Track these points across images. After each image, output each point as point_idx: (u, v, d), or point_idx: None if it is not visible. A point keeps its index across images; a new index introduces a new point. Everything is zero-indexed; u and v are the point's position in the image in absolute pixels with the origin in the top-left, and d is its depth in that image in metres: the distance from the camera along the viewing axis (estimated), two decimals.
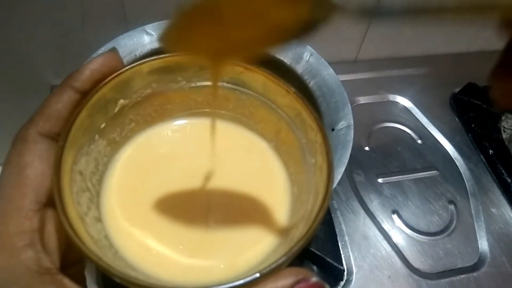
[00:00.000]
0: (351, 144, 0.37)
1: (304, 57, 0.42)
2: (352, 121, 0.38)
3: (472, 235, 0.53)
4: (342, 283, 0.47)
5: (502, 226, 0.54)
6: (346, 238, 0.51)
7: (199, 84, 0.28)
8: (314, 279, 0.19)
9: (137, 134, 0.28)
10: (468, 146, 0.61)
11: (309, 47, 0.43)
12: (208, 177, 0.27)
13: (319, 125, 0.23)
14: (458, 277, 0.49)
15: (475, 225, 0.54)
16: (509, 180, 0.57)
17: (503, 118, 0.64)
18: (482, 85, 0.65)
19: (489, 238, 0.53)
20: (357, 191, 0.55)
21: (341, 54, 0.69)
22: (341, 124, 0.38)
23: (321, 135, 0.23)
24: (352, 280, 0.48)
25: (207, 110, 0.29)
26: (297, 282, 0.18)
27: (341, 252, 0.49)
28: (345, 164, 0.36)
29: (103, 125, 0.25)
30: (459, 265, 0.50)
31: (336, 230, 0.51)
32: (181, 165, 0.28)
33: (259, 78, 0.26)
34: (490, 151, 0.60)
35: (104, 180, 0.26)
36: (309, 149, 0.24)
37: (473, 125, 0.63)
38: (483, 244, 0.52)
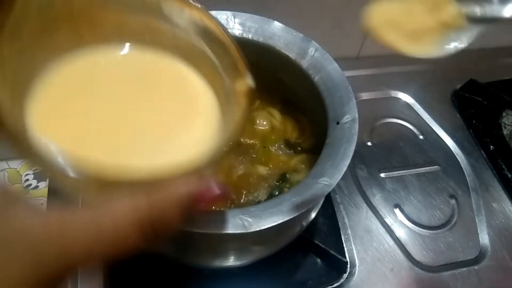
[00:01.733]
0: (355, 138, 0.37)
1: (309, 52, 0.43)
2: (356, 115, 0.38)
3: (473, 229, 0.54)
4: (345, 275, 0.48)
5: (503, 220, 0.55)
6: (349, 231, 0.51)
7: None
8: (217, 190, 0.20)
9: (67, 53, 0.27)
10: (469, 142, 0.62)
11: (314, 43, 0.43)
12: (136, 96, 0.27)
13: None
14: (459, 270, 0.50)
15: (476, 219, 0.54)
16: (509, 175, 0.58)
17: (503, 114, 0.64)
18: (483, 82, 0.66)
19: (490, 232, 0.53)
20: (360, 186, 0.56)
21: (343, 50, 0.69)
22: (346, 118, 0.39)
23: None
24: (355, 272, 0.48)
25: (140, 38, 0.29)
26: (202, 188, 0.20)
27: (344, 245, 0.50)
28: (350, 157, 0.36)
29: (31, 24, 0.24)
30: (460, 259, 0.51)
31: (339, 223, 0.51)
32: (108, 86, 0.27)
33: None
34: (491, 146, 0.61)
35: (31, 85, 0.25)
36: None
37: (474, 121, 0.63)
38: (484, 238, 0.53)
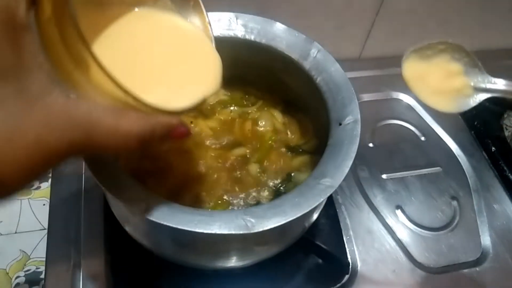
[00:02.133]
0: (358, 139, 0.37)
1: (312, 54, 0.43)
2: (359, 116, 0.38)
3: (475, 231, 0.54)
4: (347, 276, 0.48)
5: (504, 222, 0.55)
6: (351, 232, 0.51)
7: None
8: (184, 128, 0.29)
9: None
10: (470, 143, 0.62)
11: (316, 44, 0.43)
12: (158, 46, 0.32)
13: None
14: (461, 272, 0.50)
15: (478, 221, 0.54)
16: (511, 177, 0.58)
17: (505, 116, 0.64)
18: None
19: (492, 233, 0.53)
20: (361, 187, 0.56)
21: (345, 51, 0.70)
22: (348, 119, 0.39)
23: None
24: (357, 273, 0.48)
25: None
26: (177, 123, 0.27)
27: (346, 246, 0.50)
28: (353, 158, 0.36)
29: None
30: (462, 260, 0.51)
31: (341, 224, 0.51)
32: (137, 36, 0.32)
33: None
34: (492, 148, 0.61)
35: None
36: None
37: (475, 123, 0.63)
38: (486, 240, 0.53)
